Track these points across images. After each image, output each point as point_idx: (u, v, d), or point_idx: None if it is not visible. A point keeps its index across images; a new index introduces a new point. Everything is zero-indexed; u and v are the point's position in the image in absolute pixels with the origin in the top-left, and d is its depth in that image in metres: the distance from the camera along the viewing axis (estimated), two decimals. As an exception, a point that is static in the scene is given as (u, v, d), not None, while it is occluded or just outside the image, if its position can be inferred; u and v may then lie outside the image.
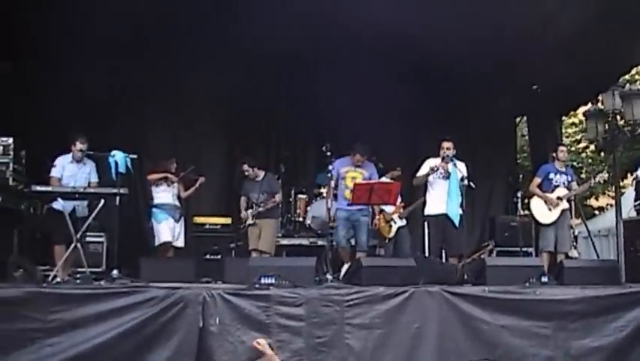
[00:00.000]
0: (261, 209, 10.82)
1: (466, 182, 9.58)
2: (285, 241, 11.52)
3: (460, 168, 9.79)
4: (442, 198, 9.81)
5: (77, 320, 7.31)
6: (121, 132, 11.66)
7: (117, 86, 12.34)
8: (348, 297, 7.80)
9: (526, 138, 16.70)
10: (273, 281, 7.90)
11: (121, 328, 7.31)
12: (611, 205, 17.10)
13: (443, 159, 9.90)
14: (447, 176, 9.83)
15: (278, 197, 11.05)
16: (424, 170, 10.08)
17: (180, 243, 10.96)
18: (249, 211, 10.80)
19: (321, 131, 12.80)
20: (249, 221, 10.81)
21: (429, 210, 10.05)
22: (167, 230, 10.86)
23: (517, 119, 15.78)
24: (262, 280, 7.90)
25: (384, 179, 10.82)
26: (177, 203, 11.11)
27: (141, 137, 12.36)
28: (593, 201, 20.80)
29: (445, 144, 10.00)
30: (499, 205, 14.21)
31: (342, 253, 10.19)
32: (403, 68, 12.06)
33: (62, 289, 7.60)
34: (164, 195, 11.06)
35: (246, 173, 11.11)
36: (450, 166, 9.80)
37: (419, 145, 13.32)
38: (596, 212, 19.77)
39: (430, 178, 10.03)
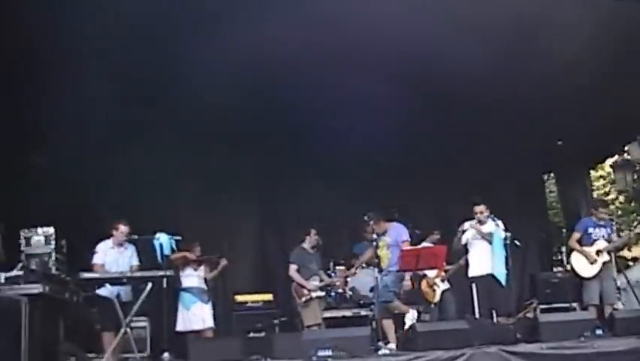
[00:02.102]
0: (327, 281, 10.88)
1: (508, 240, 9.61)
2: (327, 314, 11.42)
3: (501, 226, 9.84)
4: (486, 258, 9.83)
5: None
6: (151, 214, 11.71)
7: (144, 167, 12.45)
8: (407, 364, 7.74)
9: (554, 193, 16.70)
10: (331, 353, 7.84)
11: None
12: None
13: (480, 222, 9.96)
14: (488, 237, 9.87)
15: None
16: (467, 235, 10.19)
17: (209, 324, 10.90)
18: (315, 283, 10.74)
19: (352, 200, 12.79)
20: (318, 293, 10.75)
21: (474, 272, 10.06)
22: (195, 316, 10.84)
23: (545, 176, 15.81)
24: (319, 353, 7.85)
25: (424, 244, 10.80)
26: (204, 286, 11.13)
27: (172, 217, 12.34)
28: (626, 252, 20.65)
29: (477, 208, 10.20)
30: (534, 262, 14.15)
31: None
32: (428, 124, 12.07)
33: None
34: (190, 278, 11.09)
35: (314, 244, 11.15)
36: (492, 225, 9.85)
37: (448, 208, 13.34)
38: (630, 263, 19.61)
39: (470, 240, 10.08)
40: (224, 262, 11.47)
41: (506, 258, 9.66)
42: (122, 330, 8.85)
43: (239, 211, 13.21)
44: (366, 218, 9.96)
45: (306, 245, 11.15)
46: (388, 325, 9.61)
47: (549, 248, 14.79)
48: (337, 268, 12.03)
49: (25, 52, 9.13)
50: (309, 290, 10.68)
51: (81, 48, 9.07)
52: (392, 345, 9.15)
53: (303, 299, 10.74)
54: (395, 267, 9.75)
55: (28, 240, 9.53)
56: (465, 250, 10.33)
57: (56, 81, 9.90)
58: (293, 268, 11.00)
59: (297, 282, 10.95)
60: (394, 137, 11.89)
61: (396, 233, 10.11)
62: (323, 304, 11.06)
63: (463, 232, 10.27)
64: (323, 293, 10.79)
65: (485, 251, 9.92)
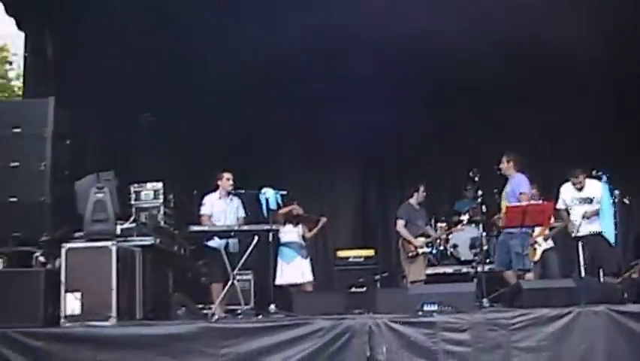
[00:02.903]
0: (434, 236, 10.94)
1: (617, 198, 9.44)
2: (429, 271, 11.45)
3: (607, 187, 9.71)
4: (592, 218, 9.67)
5: (249, 353, 7.47)
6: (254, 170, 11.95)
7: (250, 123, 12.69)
8: (513, 320, 7.69)
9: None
10: (436, 308, 7.89)
11: (293, 358, 7.43)
12: None
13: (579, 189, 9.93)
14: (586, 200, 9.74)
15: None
16: (565, 198, 10.17)
17: (309, 278, 11.07)
18: (422, 239, 10.78)
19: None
20: (424, 249, 10.80)
21: (580, 231, 9.89)
22: (294, 270, 11.02)
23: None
24: (425, 308, 7.91)
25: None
26: (302, 242, 11.28)
27: (275, 174, 12.52)
28: None
29: (574, 180, 10.14)
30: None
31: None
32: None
33: (233, 324, 7.80)
34: (290, 234, 11.25)
35: (420, 200, 11.17)
36: (596, 187, 9.70)
37: (551, 168, 13.07)
38: None
39: (569, 203, 9.94)
40: (323, 220, 11.60)
41: (615, 216, 9.46)
42: (230, 281, 9.07)
43: (340, 168, 13.29)
44: (470, 174, 9.90)
45: (413, 201, 11.14)
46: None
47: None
48: (438, 225, 12.02)
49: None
50: (416, 246, 10.70)
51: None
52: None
53: (410, 255, 10.75)
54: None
55: (138, 194, 9.92)
56: (567, 212, 10.18)
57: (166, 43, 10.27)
58: (400, 223, 11.00)
59: (404, 237, 10.95)
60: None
61: (516, 183, 9.97)
62: (426, 260, 11.06)
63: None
64: (429, 250, 10.78)
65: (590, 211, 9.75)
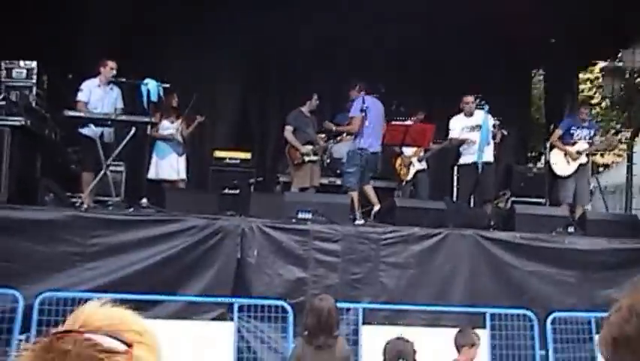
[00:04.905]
0: (323, 144, 10.87)
1: (497, 129, 9.66)
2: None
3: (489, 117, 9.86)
4: (475, 147, 9.85)
5: (118, 245, 7.35)
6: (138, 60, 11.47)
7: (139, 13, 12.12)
8: (384, 236, 7.89)
9: (537, 90, 16.65)
10: (310, 216, 7.93)
11: (161, 255, 7.37)
12: (617, 163, 17.23)
13: (467, 113, 9.99)
14: (476, 127, 9.90)
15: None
16: (455, 129, 10.17)
17: (183, 175, 10.86)
18: (309, 147, 10.63)
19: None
20: (312, 157, 10.67)
21: (462, 160, 10.08)
22: (168, 166, 10.78)
23: (533, 72, 15.72)
24: (299, 215, 7.93)
25: (408, 122, 10.79)
26: (179, 138, 11.01)
27: (158, 66, 12.07)
28: (598, 158, 20.80)
29: (466, 99, 10.12)
30: (510, 155, 14.21)
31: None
32: (419, 16, 11.90)
33: (102, 214, 7.60)
34: (168, 130, 10.95)
35: (312, 108, 10.99)
36: (481, 115, 9.85)
37: (434, 98, 13.24)
38: (601, 168, 19.78)
39: (459, 131, 10.09)
40: (200, 118, 11.31)
41: (493, 146, 9.70)
42: (103, 171, 8.77)
43: (225, 69, 12.96)
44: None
45: (305, 109, 10.95)
46: (368, 189, 9.73)
47: (526, 143, 14.84)
48: (318, 135, 11.96)
49: None
50: (302, 153, 10.58)
51: None
52: (376, 208, 9.30)
53: (295, 162, 10.63)
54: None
55: (9, 71, 9.35)
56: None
57: None
58: (288, 129, 10.78)
59: (290, 143, 10.82)
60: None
61: (356, 104, 9.89)
62: (318, 169, 11.00)
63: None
64: (316, 158, 10.68)
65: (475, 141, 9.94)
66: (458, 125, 10.13)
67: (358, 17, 11.91)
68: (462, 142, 9.97)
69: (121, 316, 1.46)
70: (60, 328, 1.41)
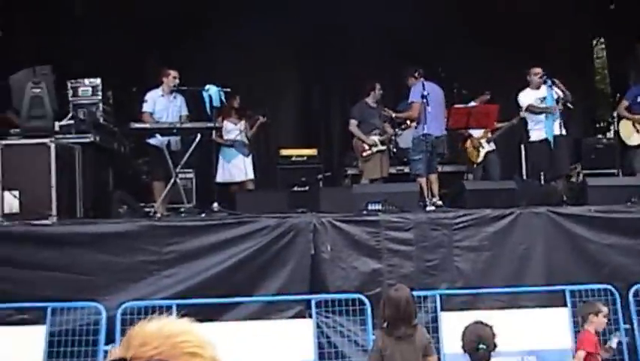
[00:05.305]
0: (391, 134, 10.78)
1: (561, 103, 9.48)
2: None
3: (557, 90, 9.66)
4: (540, 123, 9.70)
5: (192, 251, 7.48)
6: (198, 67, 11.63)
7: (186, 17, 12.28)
8: (455, 220, 7.84)
9: (601, 60, 16.29)
10: (380, 207, 7.94)
11: (236, 257, 7.46)
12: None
13: (537, 86, 9.79)
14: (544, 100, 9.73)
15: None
16: (525, 103, 9.96)
17: (251, 176, 10.95)
18: (376, 138, 10.59)
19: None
20: (379, 147, 10.63)
21: (532, 137, 9.92)
22: (236, 168, 10.88)
23: (594, 42, 15.39)
24: (369, 207, 7.95)
25: (473, 103, 10.68)
26: (245, 140, 11.11)
27: (219, 72, 12.22)
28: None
29: (535, 70, 9.89)
30: (579, 127, 13.96)
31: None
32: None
33: (176, 222, 7.75)
34: (232, 133, 11.06)
35: (376, 99, 10.90)
36: (546, 88, 9.68)
37: (496, 72, 13.06)
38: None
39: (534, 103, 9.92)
40: (262, 119, 11.41)
41: (562, 121, 9.52)
42: (172, 179, 8.94)
43: (285, 68, 13.05)
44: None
45: (370, 100, 10.88)
46: (433, 179, 9.64)
47: (594, 114, 14.56)
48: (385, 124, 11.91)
49: None
50: (370, 145, 10.54)
51: None
52: (436, 200, 9.21)
53: (364, 154, 10.59)
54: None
55: (75, 90, 9.58)
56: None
57: None
58: (353, 123, 10.72)
59: (357, 137, 10.80)
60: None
61: (410, 93, 9.86)
62: (386, 158, 10.82)
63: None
64: (384, 147, 10.60)
65: (540, 116, 9.77)
66: (528, 100, 9.94)
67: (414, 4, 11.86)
68: (538, 111, 9.81)
69: (174, 339, 1.47)
70: (115, 352, 1.42)
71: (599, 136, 13.80)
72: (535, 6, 12.42)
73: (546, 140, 9.59)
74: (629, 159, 10.60)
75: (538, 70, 9.88)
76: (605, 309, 6.27)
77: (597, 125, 14.93)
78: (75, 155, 8.34)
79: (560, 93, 9.65)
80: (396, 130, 11.11)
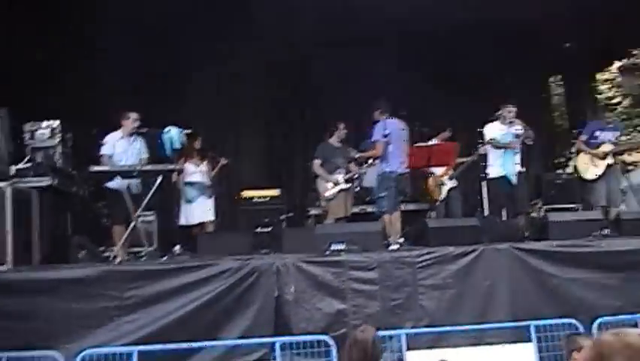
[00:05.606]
0: (355, 172, 10.71)
1: (521, 139, 9.58)
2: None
3: (517, 127, 9.75)
4: (501, 159, 9.76)
5: (154, 295, 7.34)
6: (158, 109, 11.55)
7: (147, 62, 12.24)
8: (419, 258, 7.81)
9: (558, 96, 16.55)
10: (344, 247, 7.89)
11: (198, 301, 7.34)
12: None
13: (511, 122, 9.86)
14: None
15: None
16: (491, 137, 10.00)
17: (211, 216, 10.86)
18: (339, 176, 10.54)
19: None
20: (343, 186, 10.56)
21: (492, 173, 9.97)
22: (199, 210, 10.81)
23: (551, 79, 15.65)
24: (332, 247, 7.89)
25: (434, 141, 10.74)
26: (207, 181, 11.04)
27: (180, 113, 12.15)
28: (625, 157, 20.51)
29: (509, 108, 9.98)
30: (538, 164, 14.11)
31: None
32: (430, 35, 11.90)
33: (136, 267, 7.62)
34: (194, 175, 10.99)
35: (341, 138, 10.86)
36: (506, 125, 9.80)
37: (453, 109, 13.18)
38: (630, 167, 19.51)
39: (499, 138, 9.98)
40: (223, 161, 11.36)
41: (520, 157, 9.60)
42: (132, 223, 8.80)
43: (246, 109, 13.05)
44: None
45: (333, 140, 10.85)
46: (396, 218, 9.59)
47: (552, 150, 14.76)
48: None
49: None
50: (334, 183, 10.48)
51: None
52: (399, 239, 9.17)
53: (327, 194, 10.52)
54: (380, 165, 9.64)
55: (32, 133, 9.43)
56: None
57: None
58: (316, 163, 10.70)
59: (320, 177, 10.74)
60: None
61: (377, 129, 9.72)
62: (351, 197, 10.75)
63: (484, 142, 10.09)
64: (348, 185, 10.55)
65: (500, 152, 9.84)
66: (492, 133, 9.99)
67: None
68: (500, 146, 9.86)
69: None
70: None
71: (559, 171, 13.99)
72: (492, 44, 12.58)
73: (505, 176, 9.66)
74: (588, 194, 10.70)
75: (513, 108, 9.96)
76: (586, 343, 6.24)
77: (555, 161, 15.12)
78: (32, 199, 8.19)
79: (521, 131, 9.72)
80: (360, 169, 11.09)
